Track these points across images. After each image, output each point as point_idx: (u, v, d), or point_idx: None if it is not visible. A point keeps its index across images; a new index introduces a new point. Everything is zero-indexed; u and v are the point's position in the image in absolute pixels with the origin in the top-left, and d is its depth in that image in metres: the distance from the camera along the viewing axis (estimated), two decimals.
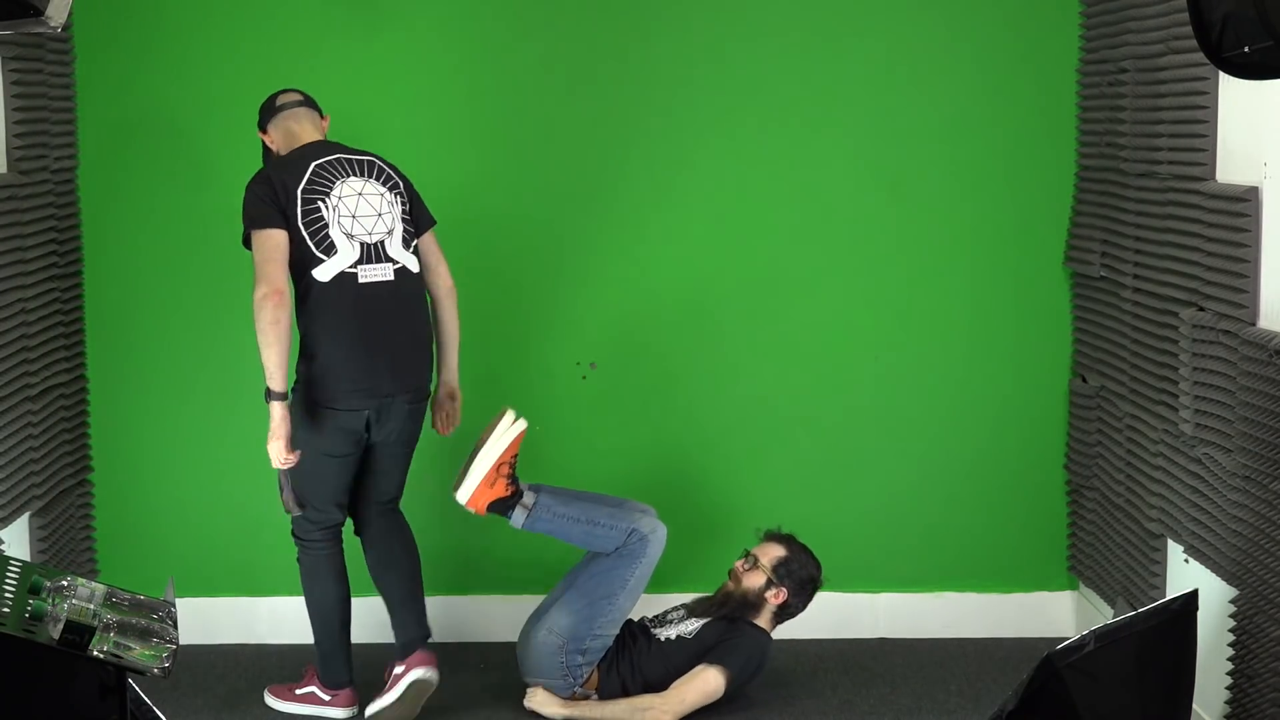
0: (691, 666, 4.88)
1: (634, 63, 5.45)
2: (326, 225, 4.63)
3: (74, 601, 2.89)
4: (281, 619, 5.54)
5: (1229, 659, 4.14)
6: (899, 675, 5.25)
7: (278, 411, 4.59)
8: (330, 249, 4.63)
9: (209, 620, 5.48)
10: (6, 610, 2.76)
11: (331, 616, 4.88)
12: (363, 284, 4.66)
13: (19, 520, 4.82)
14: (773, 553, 5.02)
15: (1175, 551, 4.62)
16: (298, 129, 4.83)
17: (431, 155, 5.38)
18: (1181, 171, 4.52)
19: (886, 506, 5.60)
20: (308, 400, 4.69)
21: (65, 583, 2.95)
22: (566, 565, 5.08)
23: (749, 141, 5.47)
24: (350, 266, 4.65)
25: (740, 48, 5.43)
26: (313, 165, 4.70)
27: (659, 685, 4.89)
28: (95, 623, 2.80)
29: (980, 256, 5.52)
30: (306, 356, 4.70)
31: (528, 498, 4.88)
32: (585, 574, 4.92)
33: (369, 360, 4.67)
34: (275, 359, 4.54)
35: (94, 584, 2.99)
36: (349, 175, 4.73)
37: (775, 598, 4.98)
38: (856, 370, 5.56)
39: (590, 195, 5.50)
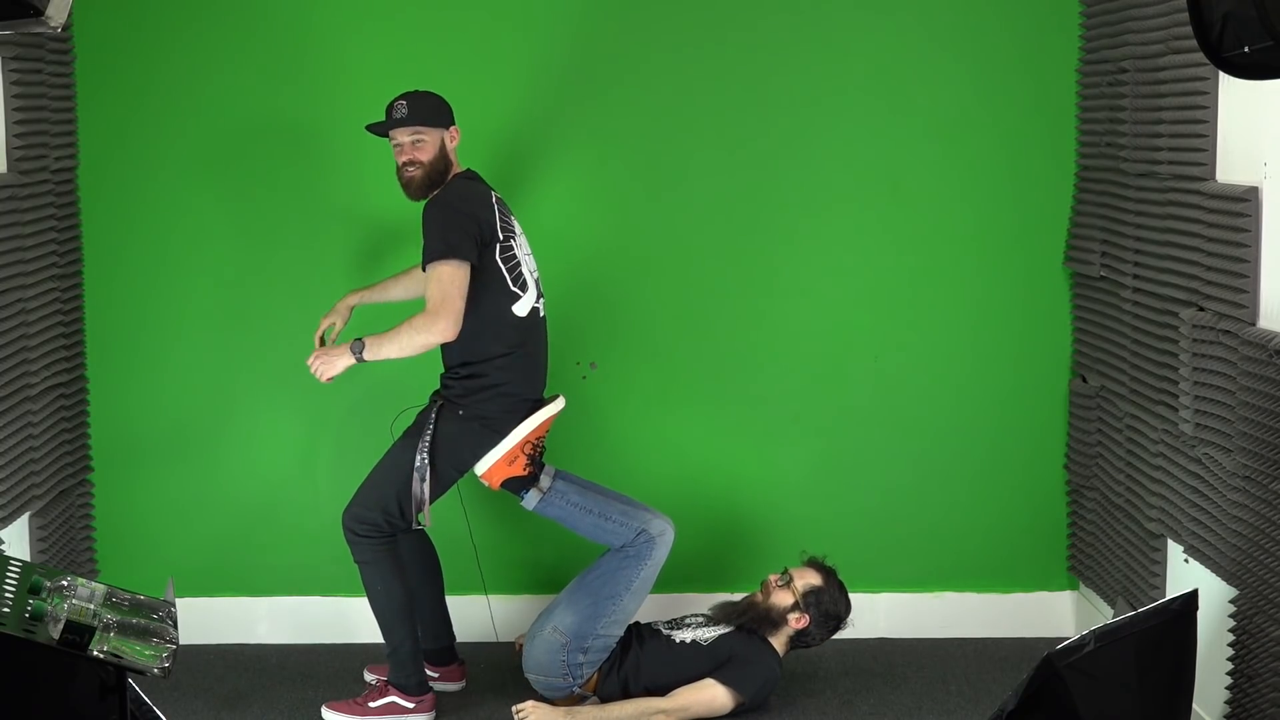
0: (701, 676, 4.85)
1: (633, 63, 5.45)
2: (520, 264, 4.80)
3: (74, 601, 2.89)
4: (281, 619, 5.54)
5: (1229, 659, 4.14)
6: (899, 675, 5.25)
7: (351, 358, 4.68)
8: (524, 285, 4.79)
9: (209, 620, 5.48)
10: (6, 610, 2.76)
11: (410, 612, 4.86)
12: (541, 317, 4.88)
13: (19, 520, 4.82)
14: (809, 579, 5.00)
15: (1175, 551, 4.61)
16: None
17: None
18: (1181, 171, 4.52)
19: (886, 506, 5.60)
20: (484, 422, 4.75)
21: (65, 583, 2.95)
22: (568, 566, 5.08)
23: (749, 141, 5.46)
24: (535, 302, 4.82)
25: (740, 47, 5.43)
26: (493, 198, 4.82)
27: (664, 689, 4.85)
28: (95, 623, 2.80)
29: (980, 256, 5.52)
30: (490, 384, 4.74)
31: (544, 481, 4.87)
32: (592, 573, 4.90)
33: (539, 389, 4.87)
34: (394, 356, 4.66)
35: (94, 584, 3.00)
36: (511, 212, 4.88)
37: (797, 622, 4.95)
38: (856, 370, 5.56)
39: (589, 195, 5.50)
